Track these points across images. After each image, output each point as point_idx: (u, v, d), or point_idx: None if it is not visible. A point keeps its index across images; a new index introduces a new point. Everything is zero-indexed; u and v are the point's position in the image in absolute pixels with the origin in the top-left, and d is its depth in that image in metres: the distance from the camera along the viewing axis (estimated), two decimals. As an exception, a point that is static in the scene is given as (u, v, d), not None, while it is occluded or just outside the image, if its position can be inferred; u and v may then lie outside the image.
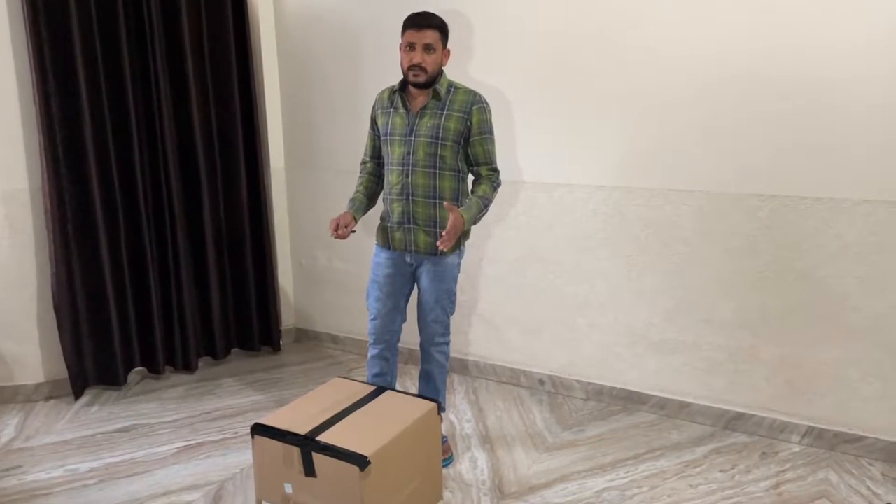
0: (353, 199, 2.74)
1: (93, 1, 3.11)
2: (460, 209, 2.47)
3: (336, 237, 2.57)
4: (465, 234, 2.69)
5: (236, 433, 3.02)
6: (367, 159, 2.82)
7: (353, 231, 2.61)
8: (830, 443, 2.83)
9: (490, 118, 2.60)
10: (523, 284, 3.39)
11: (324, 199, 3.86)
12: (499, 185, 2.66)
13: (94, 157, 3.20)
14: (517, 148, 3.25)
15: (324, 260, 3.99)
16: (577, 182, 3.16)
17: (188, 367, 3.66)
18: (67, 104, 3.10)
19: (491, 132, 2.62)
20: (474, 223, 2.57)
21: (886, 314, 2.67)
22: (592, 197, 3.14)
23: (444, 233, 2.41)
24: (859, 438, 2.78)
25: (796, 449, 2.86)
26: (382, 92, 2.70)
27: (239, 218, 3.75)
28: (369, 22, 3.50)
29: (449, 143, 2.54)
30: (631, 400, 3.22)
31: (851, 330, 2.74)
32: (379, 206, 2.79)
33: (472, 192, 2.62)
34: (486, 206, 2.59)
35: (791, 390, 2.89)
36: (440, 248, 2.42)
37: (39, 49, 3.01)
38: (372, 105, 2.74)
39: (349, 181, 2.99)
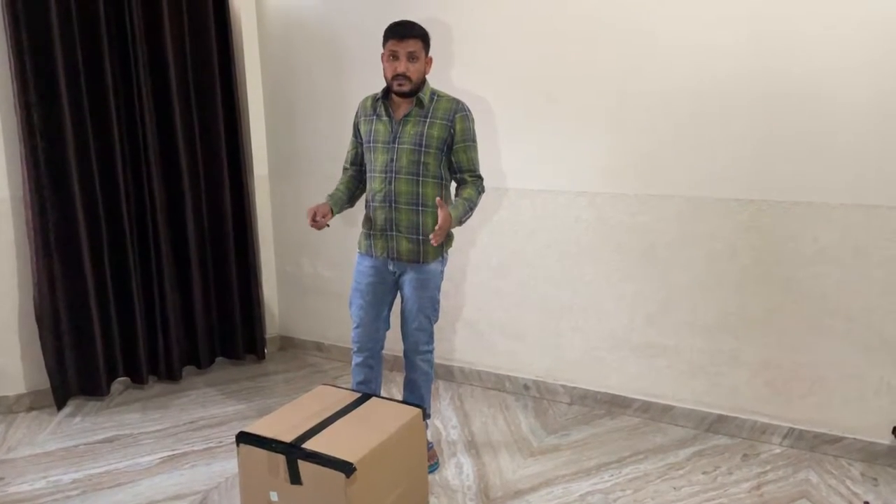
0: (331, 195, 2.75)
1: (74, 10, 3.11)
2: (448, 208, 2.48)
3: (313, 226, 2.57)
4: (448, 241, 2.70)
5: (221, 442, 3.01)
6: (348, 166, 2.83)
7: (328, 225, 2.61)
8: (811, 444, 2.87)
9: (473, 126, 2.62)
10: (507, 290, 3.41)
11: (308, 206, 3.85)
12: (483, 190, 2.67)
13: (76, 167, 3.18)
14: (500, 155, 3.28)
15: (308, 267, 3.99)
16: (560, 188, 3.19)
17: (172, 377, 3.64)
18: (49, 113, 3.09)
19: (474, 140, 2.63)
20: (459, 224, 2.58)
21: (863, 316, 2.71)
22: (574, 203, 3.17)
23: (437, 227, 2.40)
24: (839, 439, 2.82)
25: (777, 450, 2.90)
26: (365, 99, 2.71)
27: (223, 226, 3.74)
28: (352, 29, 3.51)
29: (432, 151, 2.56)
30: (614, 403, 3.25)
31: (829, 332, 2.78)
32: (359, 210, 2.80)
33: (458, 194, 2.63)
34: (471, 210, 2.60)
35: (771, 392, 2.92)
36: (433, 243, 2.41)
37: (21, 58, 2.99)
38: (355, 112, 2.75)
39: (333, 188, 3.00)
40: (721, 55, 2.77)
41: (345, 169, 2.84)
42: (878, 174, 2.60)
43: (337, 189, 2.79)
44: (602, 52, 2.99)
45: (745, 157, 2.81)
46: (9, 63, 3.00)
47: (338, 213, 2.70)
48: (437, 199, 2.46)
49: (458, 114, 2.57)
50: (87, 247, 3.26)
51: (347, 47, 3.55)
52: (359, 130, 2.73)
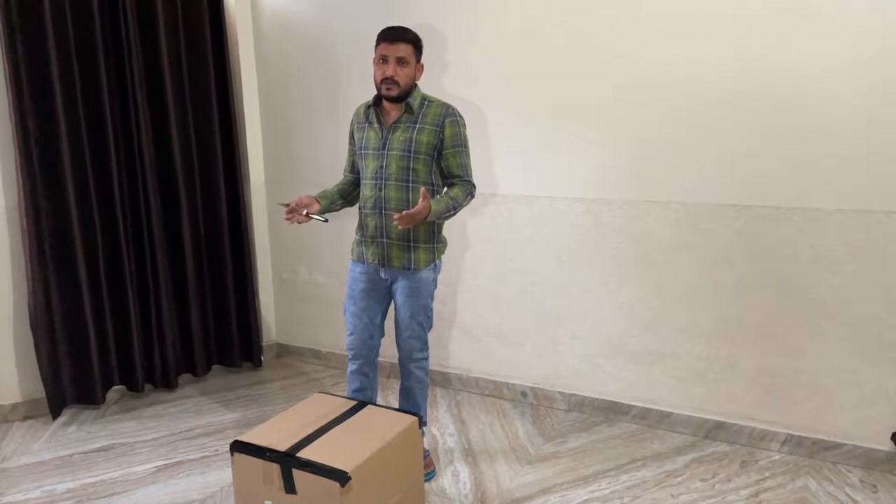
0: (323, 191, 2.75)
1: (69, 18, 3.11)
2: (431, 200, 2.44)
3: (288, 217, 2.56)
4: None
5: (216, 451, 3.00)
6: (347, 173, 2.84)
7: (324, 220, 2.58)
8: (809, 450, 2.86)
9: (463, 131, 2.61)
10: (504, 297, 3.41)
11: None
12: (472, 195, 2.64)
13: (71, 175, 3.18)
14: (496, 161, 3.27)
15: (305, 275, 3.98)
16: (556, 195, 3.18)
17: (168, 385, 3.63)
18: (44, 122, 3.09)
19: (464, 145, 2.61)
20: (438, 219, 2.53)
21: (860, 322, 2.71)
22: (571, 210, 3.16)
23: (409, 211, 2.36)
24: (837, 445, 2.81)
25: (776, 457, 2.88)
26: (359, 107, 2.72)
27: (219, 233, 3.73)
28: (348, 37, 3.52)
29: (422, 157, 2.55)
30: (612, 410, 3.24)
31: (827, 338, 2.77)
32: (353, 217, 2.79)
33: (445, 192, 2.61)
34: (454, 209, 2.55)
35: (770, 398, 2.91)
36: (395, 223, 2.37)
37: (16, 67, 2.99)
38: (350, 121, 2.75)
39: (329, 196, 3.01)
40: (716, 61, 2.77)
41: (344, 174, 2.85)
42: (873, 179, 2.60)
43: (330, 188, 2.80)
44: (598, 59, 2.99)
45: (742, 163, 2.80)
46: (4, 72, 3.00)
47: (326, 206, 2.68)
48: (422, 189, 2.42)
49: (447, 119, 2.56)
50: (83, 255, 3.26)
51: (344, 55, 3.56)
52: (353, 138, 2.73)
